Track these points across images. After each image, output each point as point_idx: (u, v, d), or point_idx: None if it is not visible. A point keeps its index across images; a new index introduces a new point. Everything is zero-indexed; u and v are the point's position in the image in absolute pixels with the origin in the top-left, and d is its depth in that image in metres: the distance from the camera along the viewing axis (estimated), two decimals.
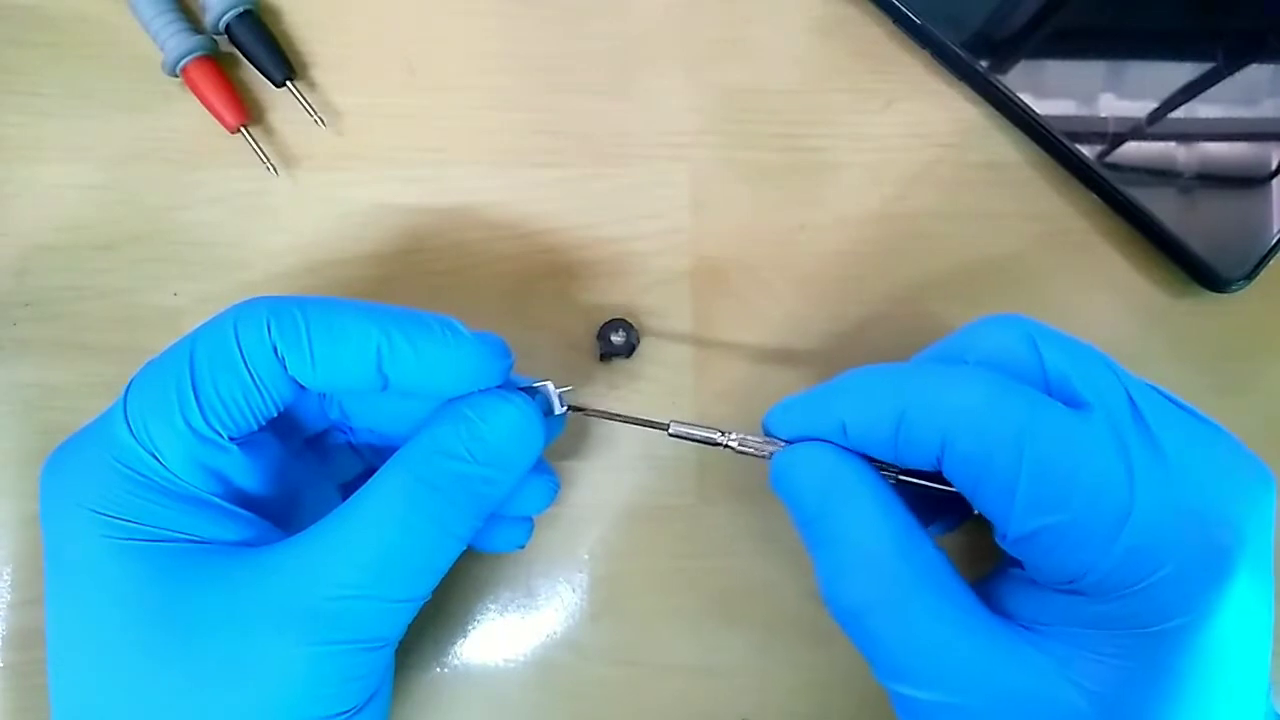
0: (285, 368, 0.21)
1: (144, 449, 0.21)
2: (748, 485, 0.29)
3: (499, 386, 0.23)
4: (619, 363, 0.29)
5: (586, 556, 0.29)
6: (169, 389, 0.21)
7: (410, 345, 0.22)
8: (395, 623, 0.22)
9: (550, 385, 0.24)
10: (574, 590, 0.28)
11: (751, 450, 0.24)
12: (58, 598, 0.21)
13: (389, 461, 0.22)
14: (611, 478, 0.29)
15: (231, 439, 0.22)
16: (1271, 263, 0.29)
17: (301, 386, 0.22)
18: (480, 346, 0.22)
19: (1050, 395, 0.21)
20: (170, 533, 0.21)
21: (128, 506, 0.20)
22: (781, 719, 0.28)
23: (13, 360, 0.28)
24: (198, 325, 0.22)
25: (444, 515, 0.22)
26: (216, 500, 0.21)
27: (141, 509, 0.21)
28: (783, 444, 0.24)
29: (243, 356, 0.21)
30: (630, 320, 0.29)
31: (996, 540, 0.22)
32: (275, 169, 0.29)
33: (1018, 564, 0.22)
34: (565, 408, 0.25)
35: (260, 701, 0.20)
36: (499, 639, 0.28)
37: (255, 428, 0.22)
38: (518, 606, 0.28)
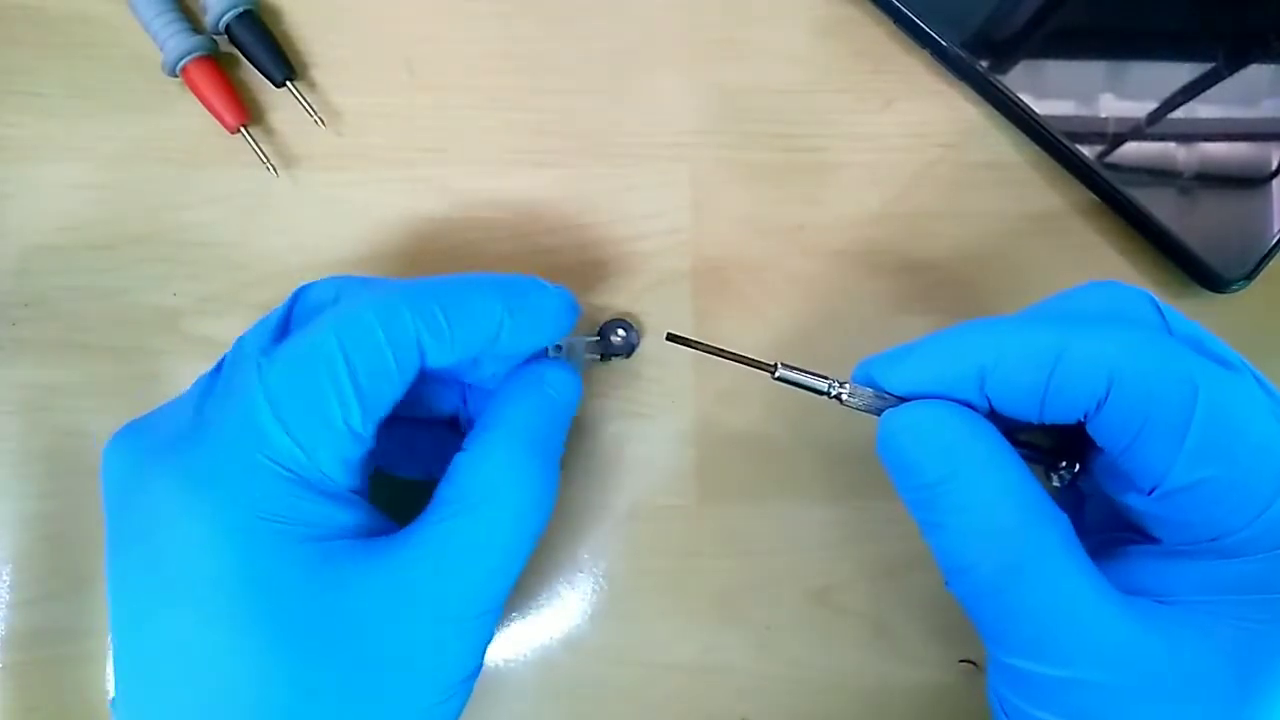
0: (424, 358, 0.22)
1: (301, 450, 0.21)
2: (748, 485, 0.29)
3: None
4: (619, 363, 0.29)
5: (586, 556, 0.29)
6: (325, 390, 0.21)
7: (526, 320, 0.23)
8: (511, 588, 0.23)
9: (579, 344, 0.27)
10: (574, 590, 0.28)
11: (860, 404, 0.23)
12: (165, 588, 0.20)
13: (490, 442, 0.23)
14: (611, 478, 0.29)
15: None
16: (1271, 263, 0.29)
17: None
18: (568, 306, 0.24)
19: None
20: (320, 529, 0.21)
21: (285, 506, 0.21)
22: (781, 719, 0.28)
23: (13, 360, 0.28)
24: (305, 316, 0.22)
25: (550, 493, 0.24)
26: (352, 494, 0.22)
27: (297, 508, 0.21)
28: (895, 399, 0.22)
29: (393, 355, 0.21)
30: (630, 320, 0.29)
31: (1125, 500, 0.22)
32: (275, 169, 0.29)
33: (1127, 542, 0.22)
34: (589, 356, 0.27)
35: (408, 675, 0.21)
36: (499, 639, 0.28)
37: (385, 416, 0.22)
38: (518, 606, 0.28)
